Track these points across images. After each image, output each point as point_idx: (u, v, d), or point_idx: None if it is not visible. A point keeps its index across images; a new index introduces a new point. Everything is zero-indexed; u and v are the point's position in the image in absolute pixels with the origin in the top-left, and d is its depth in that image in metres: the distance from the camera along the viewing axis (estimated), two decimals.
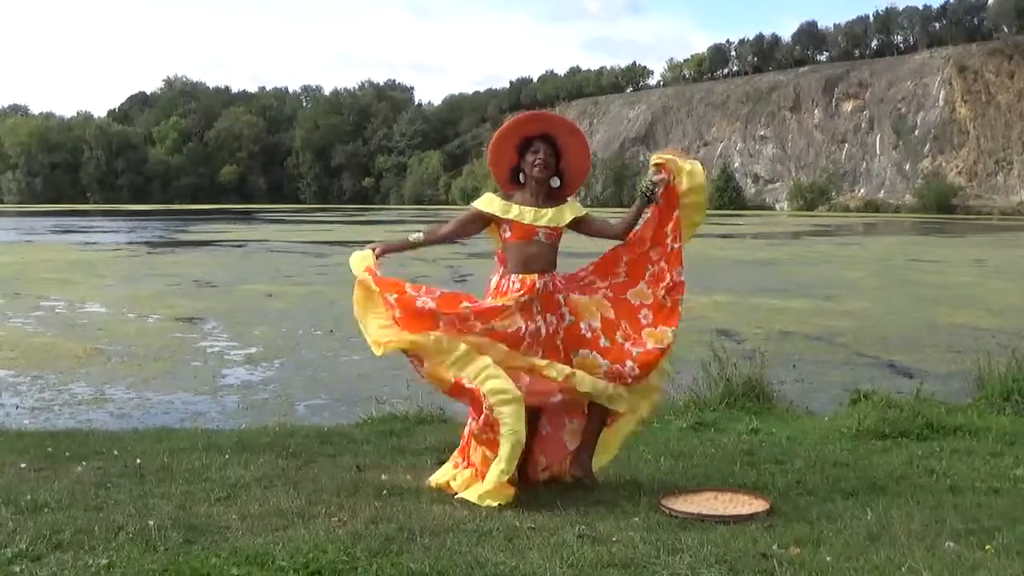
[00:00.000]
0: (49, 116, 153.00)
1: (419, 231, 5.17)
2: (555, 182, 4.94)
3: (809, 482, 5.12)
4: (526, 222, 4.88)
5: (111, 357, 11.76)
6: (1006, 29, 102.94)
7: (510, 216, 4.88)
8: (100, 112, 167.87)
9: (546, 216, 4.88)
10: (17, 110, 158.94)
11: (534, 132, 4.92)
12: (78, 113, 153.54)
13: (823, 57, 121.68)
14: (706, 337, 11.86)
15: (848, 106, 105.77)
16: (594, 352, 4.80)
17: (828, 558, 3.70)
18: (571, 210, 4.95)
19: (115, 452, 5.65)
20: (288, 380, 10.53)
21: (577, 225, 4.98)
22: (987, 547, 3.84)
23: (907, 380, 9.79)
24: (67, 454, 5.60)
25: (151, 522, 3.99)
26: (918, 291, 20.11)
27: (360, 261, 4.98)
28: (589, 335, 4.82)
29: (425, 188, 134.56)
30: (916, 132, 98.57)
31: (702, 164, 5.03)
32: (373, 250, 5.04)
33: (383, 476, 5.11)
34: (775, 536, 4.05)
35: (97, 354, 11.93)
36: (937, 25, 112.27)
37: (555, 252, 4.94)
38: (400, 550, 3.75)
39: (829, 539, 4.01)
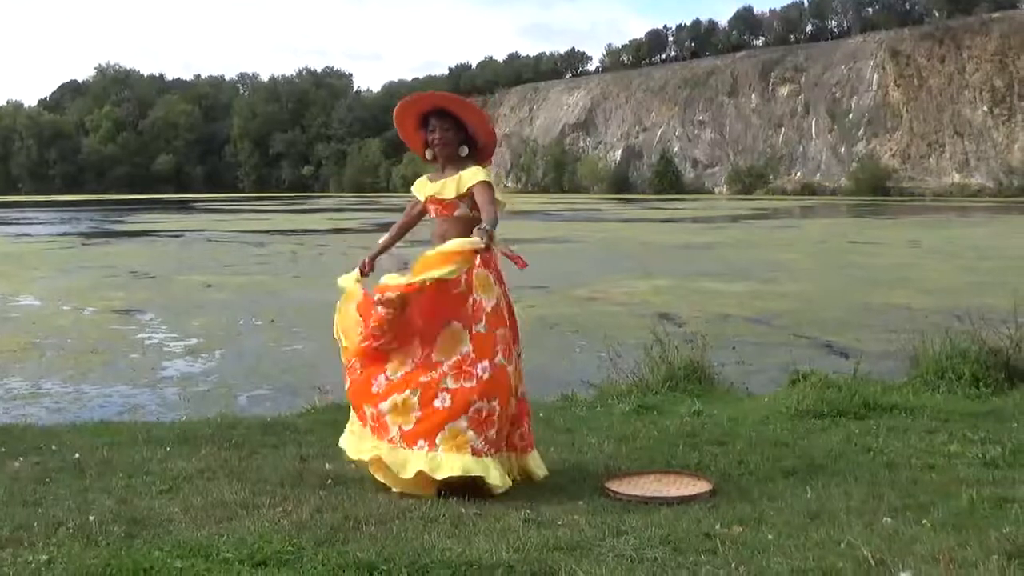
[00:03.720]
0: None
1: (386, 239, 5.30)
2: (463, 150, 4.86)
3: (750, 462, 5.19)
4: (419, 196, 4.98)
5: (46, 351, 11.56)
6: (937, 14, 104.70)
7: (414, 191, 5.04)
8: (31, 101, 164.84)
9: (431, 188, 4.88)
10: None
11: (425, 109, 4.90)
12: (7, 102, 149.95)
13: (759, 42, 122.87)
14: (647, 321, 11.98)
15: (784, 90, 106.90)
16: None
17: (770, 536, 3.76)
18: (464, 180, 4.76)
19: (53, 447, 5.55)
20: (229, 371, 10.44)
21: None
22: (923, 521, 3.92)
23: (844, 360, 9.96)
24: (3, 450, 5.49)
25: (92, 517, 3.93)
26: (854, 272, 20.44)
27: (346, 282, 5.07)
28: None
29: (365, 176, 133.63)
30: (851, 116, 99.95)
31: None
32: (361, 269, 5.08)
33: (327, 466, 5.09)
34: (718, 516, 4.10)
35: (32, 348, 11.72)
36: (870, 10, 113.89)
37: (452, 225, 4.77)
38: (346, 539, 3.74)
39: (771, 518, 4.06)
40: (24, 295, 17.45)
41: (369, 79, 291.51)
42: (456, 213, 4.79)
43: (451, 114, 4.86)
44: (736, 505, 4.32)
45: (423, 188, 4.95)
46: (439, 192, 4.83)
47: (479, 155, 4.94)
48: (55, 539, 3.67)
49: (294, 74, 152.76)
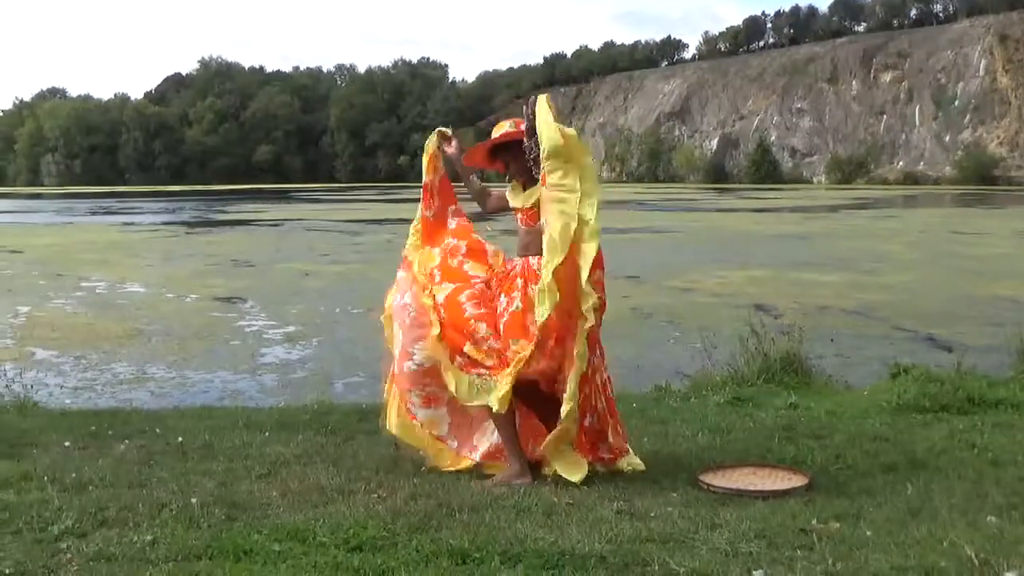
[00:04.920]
0: (87, 99, 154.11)
1: (480, 182, 5.27)
2: (535, 170, 4.74)
3: (848, 457, 5.08)
4: (511, 201, 4.97)
5: (151, 337, 11.89)
6: None
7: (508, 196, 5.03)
8: (137, 94, 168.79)
9: (519, 200, 4.89)
10: (55, 93, 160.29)
11: (495, 144, 5.00)
12: (115, 95, 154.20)
13: (861, 28, 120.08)
14: (743, 312, 11.82)
15: (887, 77, 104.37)
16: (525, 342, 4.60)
17: (868, 533, 3.68)
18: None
19: (157, 430, 5.71)
20: (326, 358, 10.61)
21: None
22: None
23: (947, 354, 9.69)
24: (110, 433, 5.67)
25: (194, 499, 4.04)
26: (958, 264, 19.90)
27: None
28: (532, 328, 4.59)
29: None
30: (956, 103, 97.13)
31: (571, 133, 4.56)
32: (446, 136, 5.20)
33: (421, 453, 5.13)
34: (815, 511, 4.03)
35: (137, 334, 12.08)
36: None
37: (534, 238, 4.71)
38: (439, 526, 3.77)
39: (869, 514, 3.98)
40: (130, 282, 17.98)
41: (463, 69, 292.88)
42: (537, 224, 4.72)
43: (519, 142, 4.85)
44: (833, 500, 4.24)
45: (514, 197, 4.95)
46: (524, 203, 4.84)
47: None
48: (159, 520, 3.77)
49: (390, 65, 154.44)
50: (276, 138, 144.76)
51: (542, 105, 4.63)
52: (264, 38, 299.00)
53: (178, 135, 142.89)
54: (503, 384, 4.57)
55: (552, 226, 4.47)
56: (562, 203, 4.47)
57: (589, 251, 4.45)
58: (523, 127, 4.82)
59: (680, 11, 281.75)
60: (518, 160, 4.85)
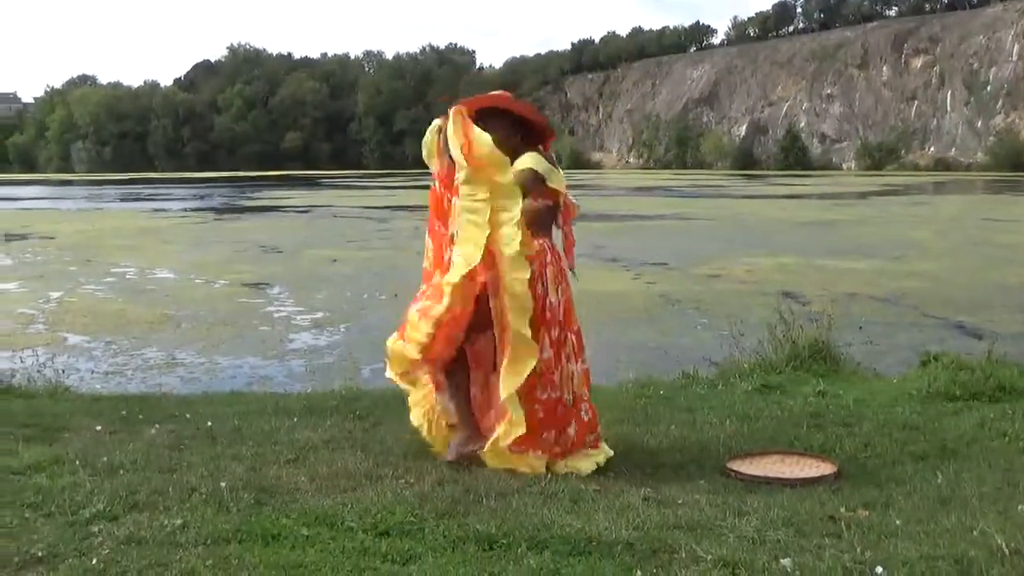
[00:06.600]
0: (117, 86, 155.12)
1: None
2: (512, 141, 4.72)
3: (877, 445, 5.06)
4: None
5: (180, 322, 11.98)
6: None
7: None
8: (166, 81, 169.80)
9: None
10: (86, 80, 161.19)
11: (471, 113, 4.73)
12: (145, 82, 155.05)
13: (892, 12, 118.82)
14: (771, 299, 11.77)
15: (918, 62, 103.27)
16: None
17: (897, 521, 3.66)
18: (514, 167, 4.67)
19: (187, 415, 5.75)
20: (353, 344, 10.65)
21: None
22: None
23: (977, 341, 9.62)
24: (140, 417, 5.71)
25: (223, 484, 4.06)
26: (989, 251, 19.71)
27: None
28: None
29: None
30: (989, 88, 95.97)
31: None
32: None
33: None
34: (843, 499, 4.01)
35: (167, 320, 12.16)
36: None
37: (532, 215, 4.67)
38: (467, 511, 3.78)
39: (898, 502, 3.96)
40: (160, 268, 18.10)
41: (491, 55, 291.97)
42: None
43: (497, 110, 4.75)
44: (862, 488, 4.22)
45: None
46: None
47: (534, 139, 4.81)
48: (189, 504, 3.79)
49: (417, 51, 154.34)
50: (304, 125, 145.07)
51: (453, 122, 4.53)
52: (292, 24, 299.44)
53: (207, 122, 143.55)
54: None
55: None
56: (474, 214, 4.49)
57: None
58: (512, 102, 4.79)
59: None
60: (497, 133, 4.60)
